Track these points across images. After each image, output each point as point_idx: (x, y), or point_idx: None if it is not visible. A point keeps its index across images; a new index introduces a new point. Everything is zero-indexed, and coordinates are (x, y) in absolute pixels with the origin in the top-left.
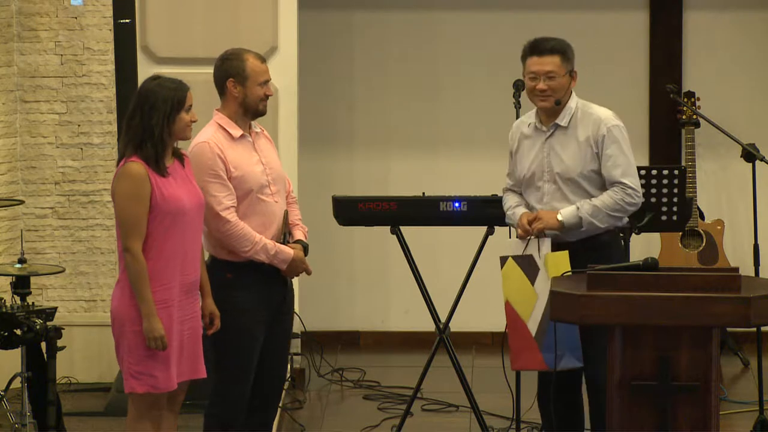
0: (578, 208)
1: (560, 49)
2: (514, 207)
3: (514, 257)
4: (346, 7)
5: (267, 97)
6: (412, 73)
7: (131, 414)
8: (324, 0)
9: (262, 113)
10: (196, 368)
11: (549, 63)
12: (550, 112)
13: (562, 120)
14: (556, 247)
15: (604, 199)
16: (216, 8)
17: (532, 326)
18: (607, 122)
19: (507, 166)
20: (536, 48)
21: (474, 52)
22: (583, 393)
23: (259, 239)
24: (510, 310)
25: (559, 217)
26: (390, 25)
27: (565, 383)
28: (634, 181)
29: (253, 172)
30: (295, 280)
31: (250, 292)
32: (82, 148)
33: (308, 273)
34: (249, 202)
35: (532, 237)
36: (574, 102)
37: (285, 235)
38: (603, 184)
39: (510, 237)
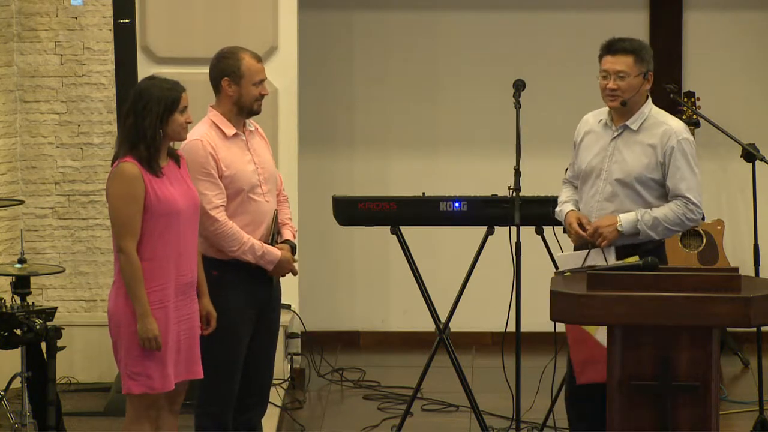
0: (638, 219)
1: (634, 49)
2: (563, 202)
3: (573, 272)
4: (346, 7)
5: (262, 96)
6: (412, 72)
7: (129, 415)
8: (324, 0)
9: (257, 113)
10: (193, 369)
11: (621, 62)
12: (621, 112)
13: (633, 123)
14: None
15: (666, 212)
16: (216, 8)
17: (602, 337)
18: (679, 134)
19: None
20: (611, 47)
21: (474, 51)
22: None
23: (246, 239)
24: (573, 326)
25: (620, 228)
26: (390, 25)
27: (592, 385)
28: (697, 197)
29: (245, 171)
30: (296, 280)
31: (237, 290)
32: (82, 148)
33: (294, 273)
34: (240, 201)
35: (591, 249)
36: (648, 108)
37: (274, 235)
38: (660, 193)
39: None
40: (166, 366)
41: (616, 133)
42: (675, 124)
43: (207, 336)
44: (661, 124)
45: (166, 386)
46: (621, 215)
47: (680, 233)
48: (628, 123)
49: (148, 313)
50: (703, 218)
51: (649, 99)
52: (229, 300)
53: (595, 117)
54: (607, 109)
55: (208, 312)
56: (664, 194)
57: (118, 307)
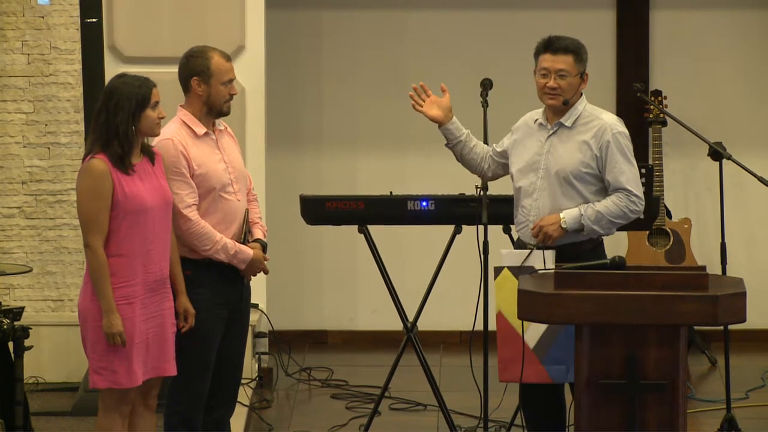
0: (582, 214)
1: (574, 49)
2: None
3: (511, 268)
4: (314, 6)
5: (231, 96)
6: (380, 72)
7: (100, 410)
8: None
9: (226, 113)
10: (164, 366)
11: (562, 61)
12: (557, 110)
13: (567, 120)
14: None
15: (608, 205)
16: (183, 7)
17: (530, 338)
18: (613, 128)
19: None
20: (551, 45)
21: (442, 50)
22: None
23: (219, 238)
24: (502, 321)
25: (563, 225)
26: (358, 24)
27: (550, 385)
28: (638, 189)
29: (216, 170)
30: (263, 279)
31: (208, 289)
32: (49, 148)
33: (265, 273)
34: (211, 199)
35: (534, 248)
36: (582, 105)
37: (245, 234)
38: (598, 188)
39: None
40: (132, 362)
41: (551, 131)
42: (608, 118)
43: (179, 335)
44: (596, 118)
45: (132, 382)
46: (563, 212)
47: (648, 232)
48: (562, 120)
49: (113, 308)
50: (671, 216)
51: (583, 96)
52: (202, 299)
53: (533, 117)
54: (543, 108)
55: (185, 309)
56: (602, 189)
57: (85, 302)
